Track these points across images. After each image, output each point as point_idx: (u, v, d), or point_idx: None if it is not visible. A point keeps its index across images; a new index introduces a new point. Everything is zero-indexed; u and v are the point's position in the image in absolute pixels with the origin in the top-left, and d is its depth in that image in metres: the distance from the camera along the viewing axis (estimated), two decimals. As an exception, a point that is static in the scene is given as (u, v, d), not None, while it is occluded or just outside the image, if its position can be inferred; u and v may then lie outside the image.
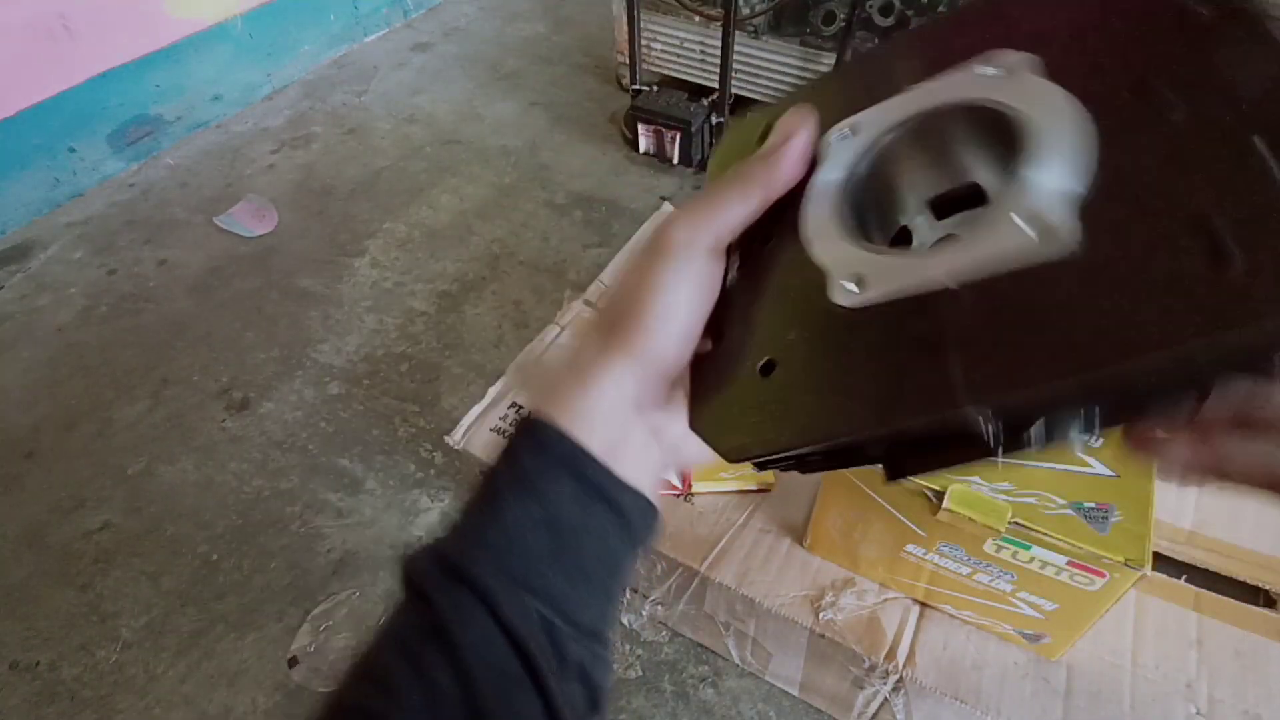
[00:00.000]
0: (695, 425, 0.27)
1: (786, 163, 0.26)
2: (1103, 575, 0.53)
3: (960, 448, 0.21)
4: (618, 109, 1.71)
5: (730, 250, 0.27)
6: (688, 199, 0.23)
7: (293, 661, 0.87)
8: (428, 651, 0.23)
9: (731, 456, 0.25)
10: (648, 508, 0.27)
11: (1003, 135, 0.23)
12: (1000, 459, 0.21)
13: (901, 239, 0.28)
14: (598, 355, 0.26)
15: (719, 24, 1.41)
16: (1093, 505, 0.54)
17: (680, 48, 1.62)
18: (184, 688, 0.86)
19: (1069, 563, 0.54)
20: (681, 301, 0.26)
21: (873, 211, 0.27)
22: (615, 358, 0.25)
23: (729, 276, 0.27)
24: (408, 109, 1.78)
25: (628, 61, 1.54)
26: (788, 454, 0.24)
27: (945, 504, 0.55)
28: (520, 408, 0.83)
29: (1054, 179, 0.21)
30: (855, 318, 0.23)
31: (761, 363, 0.25)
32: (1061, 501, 0.54)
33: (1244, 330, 0.16)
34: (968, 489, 0.55)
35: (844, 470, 0.59)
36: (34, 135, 1.44)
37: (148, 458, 1.08)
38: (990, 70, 0.25)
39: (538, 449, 0.25)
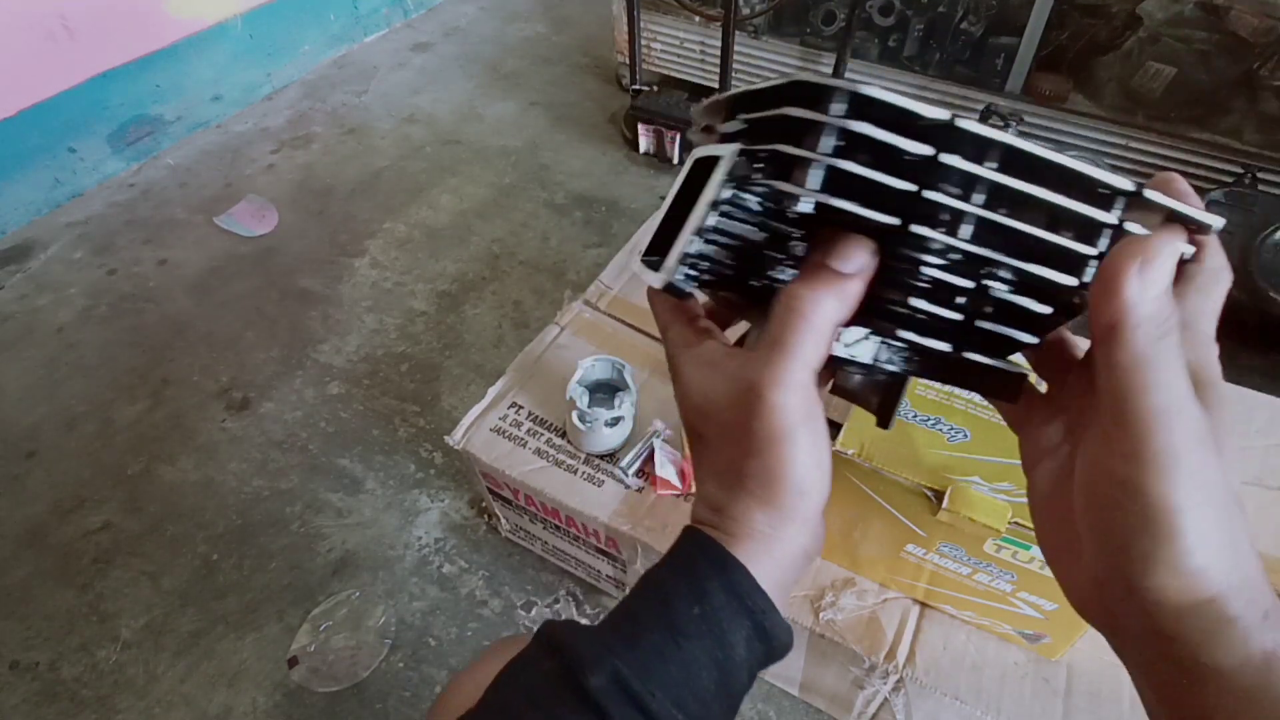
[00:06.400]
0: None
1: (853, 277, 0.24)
2: (1103, 575, 0.53)
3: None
4: (618, 109, 1.71)
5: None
6: (753, 343, 0.25)
7: (293, 661, 0.87)
8: None
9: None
10: (790, 640, 0.28)
11: None
12: None
13: None
14: (770, 526, 0.26)
15: (719, 24, 1.41)
16: (1093, 505, 0.54)
17: (680, 48, 1.62)
18: (184, 688, 0.86)
19: (1069, 563, 0.54)
20: (818, 453, 0.26)
21: None
22: (786, 528, 0.26)
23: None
24: (408, 109, 1.78)
25: (628, 61, 1.54)
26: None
27: (945, 504, 0.55)
28: (520, 407, 0.83)
29: None
30: None
31: None
32: (1061, 501, 0.54)
33: None
34: (968, 489, 0.55)
35: (846, 472, 0.60)
36: (34, 135, 1.44)
37: (148, 458, 1.08)
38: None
39: (729, 592, 0.26)
